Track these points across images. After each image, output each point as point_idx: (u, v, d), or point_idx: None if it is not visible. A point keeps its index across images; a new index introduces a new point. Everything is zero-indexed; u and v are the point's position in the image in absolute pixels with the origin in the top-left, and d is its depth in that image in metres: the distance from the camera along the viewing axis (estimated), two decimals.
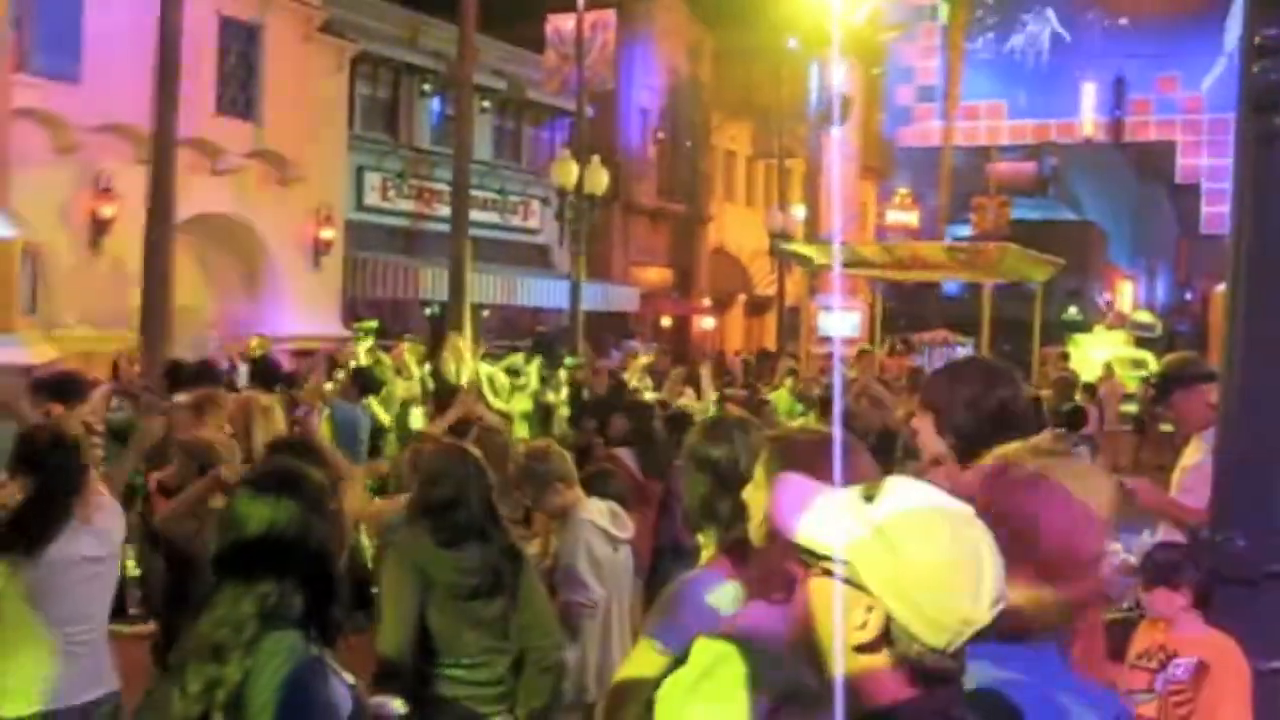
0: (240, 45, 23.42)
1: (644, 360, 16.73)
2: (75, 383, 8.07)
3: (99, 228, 20.69)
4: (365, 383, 10.22)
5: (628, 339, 27.39)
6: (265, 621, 3.14)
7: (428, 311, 28.84)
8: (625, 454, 7.90)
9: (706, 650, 2.65)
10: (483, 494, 4.89)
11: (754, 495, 2.99)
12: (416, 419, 11.03)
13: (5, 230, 13.46)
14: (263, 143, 23.53)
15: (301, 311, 23.54)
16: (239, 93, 23.53)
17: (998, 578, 1.96)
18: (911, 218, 44.73)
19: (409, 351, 13.71)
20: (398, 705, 3.54)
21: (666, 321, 38.02)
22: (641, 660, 3.80)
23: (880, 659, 1.96)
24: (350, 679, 3.32)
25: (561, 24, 29.23)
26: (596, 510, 5.73)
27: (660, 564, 6.86)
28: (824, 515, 1.97)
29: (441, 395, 10.76)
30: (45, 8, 18.82)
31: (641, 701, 3.96)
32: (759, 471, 3.01)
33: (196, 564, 4.78)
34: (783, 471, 2.81)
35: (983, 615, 1.93)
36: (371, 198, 27.57)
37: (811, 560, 2.01)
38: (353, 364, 15.98)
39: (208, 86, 22.06)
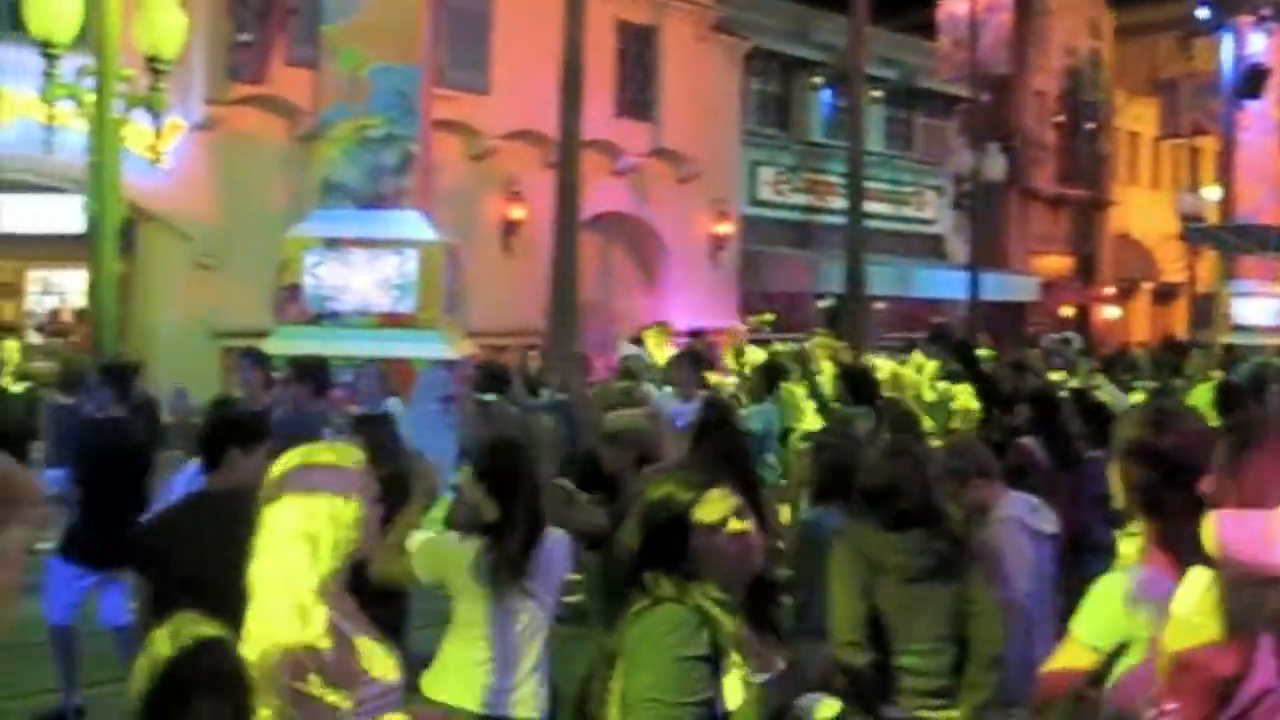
0: (637, 48, 24.10)
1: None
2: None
3: (509, 229, 21.78)
4: (774, 377, 10.21)
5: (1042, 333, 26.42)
6: None
7: (821, 304, 28.84)
8: (1031, 444, 7.60)
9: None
10: (923, 481, 4.81)
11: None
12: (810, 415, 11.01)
13: (430, 234, 14.27)
14: (660, 142, 24.13)
15: (699, 306, 23.97)
16: (637, 94, 24.21)
17: None
18: None
19: (818, 345, 13.70)
20: (827, 707, 3.47)
21: (1067, 311, 36.60)
22: (1071, 654, 3.65)
23: None
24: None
25: (955, 7, 28.59)
26: (1020, 504, 5.54)
27: (1071, 558, 6.55)
28: None
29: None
30: (456, 27, 19.92)
31: (1070, 696, 3.82)
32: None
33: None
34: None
35: None
36: (765, 192, 27.81)
37: None
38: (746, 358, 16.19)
39: (608, 90, 22.79)
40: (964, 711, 4.69)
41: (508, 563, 4.70)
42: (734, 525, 3.13)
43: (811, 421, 9.59)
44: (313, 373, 7.97)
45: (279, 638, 3.07)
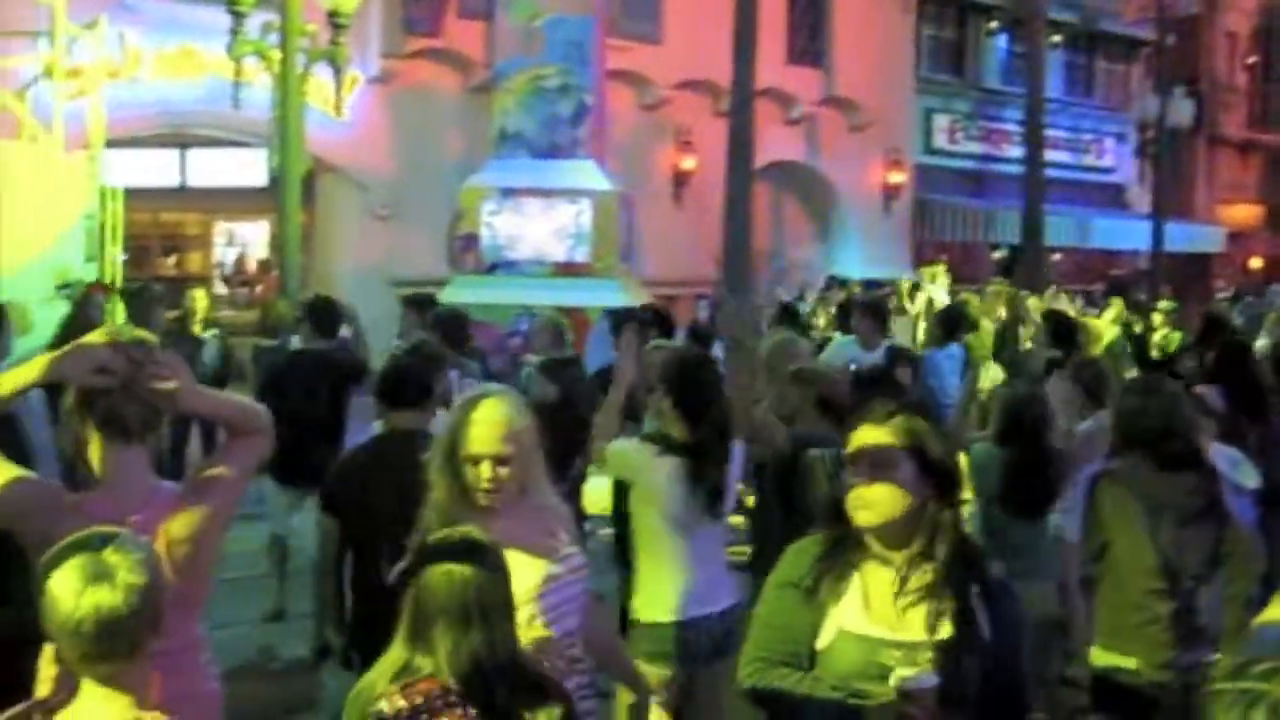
0: None
1: None
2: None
3: (680, 179, 21.74)
4: (953, 323, 10.02)
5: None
6: None
7: (996, 255, 28.25)
8: (1210, 391, 7.30)
9: None
10: (1190, 421, 4.72)
11: None
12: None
13: (605, 183, 14.30)
14: (833, 90, 23.82)
15: (871, 255, 23.68)
16: (809, 42, 23.91)
17: None
18: None
19: (996, 294, 13.43)
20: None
21: (1256, 263, 35.26)
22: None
23: None
24: None
25: None
26: (1223, 458, 5.34)
27: (1265, 510, 6.31)
28: None
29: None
30: None
31: None
32: None
33: None
34: None
35: None
36: (939, 140, 27.29)
37: None
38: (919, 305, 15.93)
39: (779, 38, 22.51)
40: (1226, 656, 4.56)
41: (703, 483, 4.80)
42: None
43: (993, 370, 9.39)
44: (444, 324, 8.08)
45: None
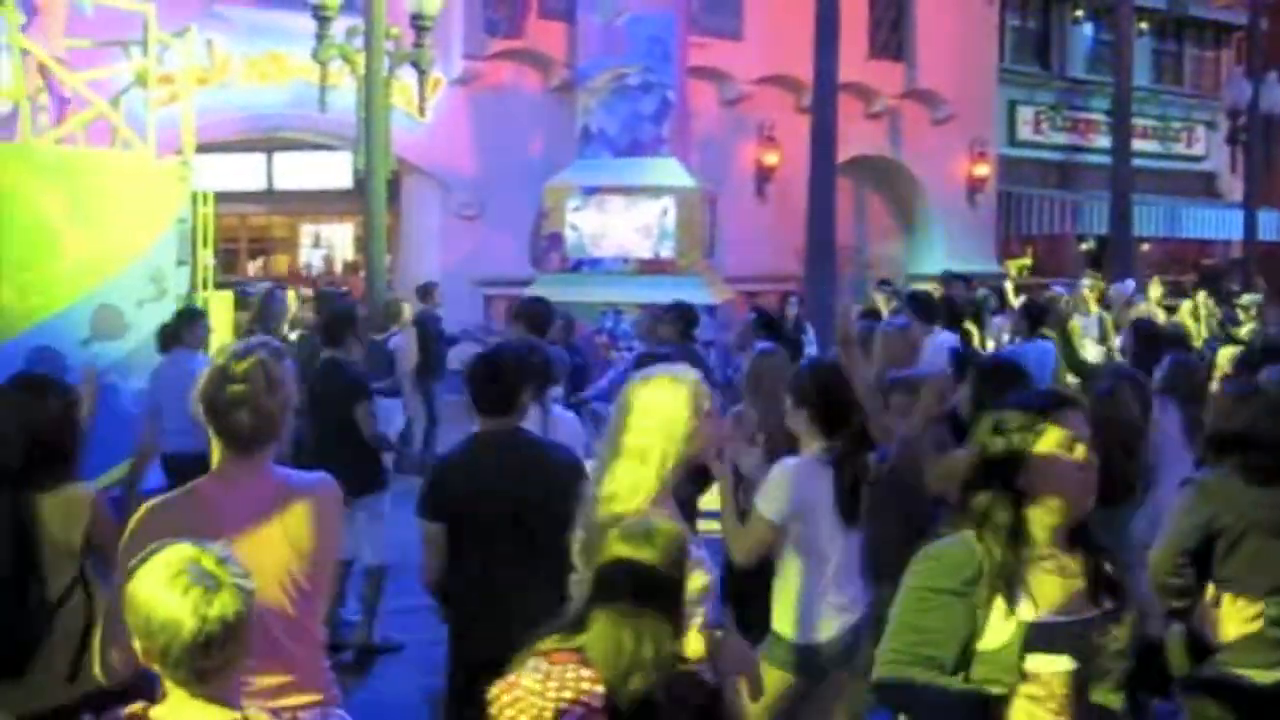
0: None
1: None
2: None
3: (762, 175, 21.68)
4: (1038, 317, 9.87)
5: None
6: None
7: (1084, 246, 27.87)
8: None
9: None
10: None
11: None
12: (1090, 353, 10.65)
13: (689, 180, 14.30)
14: (915, 82, 23.62)
15: (955, 249, 23.45)
16: (890, 35, 23.72)
17: None
18: None
19: (1089, 289, 13.25)
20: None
21: None
22: None
23: None
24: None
25: None
26: None
27: None
28: None
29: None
30: None
31: None
32: None
33: None
34: None
35: None
36: (1024, 131, 26.96)
37: None
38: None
39: (860, 31, 22.35)
40: None
41: (852, 491, 4.78)
42: (1078, 452, 3.03)
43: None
44: (527, 314, 8.12)
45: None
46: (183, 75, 12.33)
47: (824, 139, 17.58)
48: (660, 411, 3.62)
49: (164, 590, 2.38)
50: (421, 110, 14.65)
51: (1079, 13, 27.64)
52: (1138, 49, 26.22)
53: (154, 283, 10.86)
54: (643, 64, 16.52)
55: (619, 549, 2.96)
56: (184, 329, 8.95)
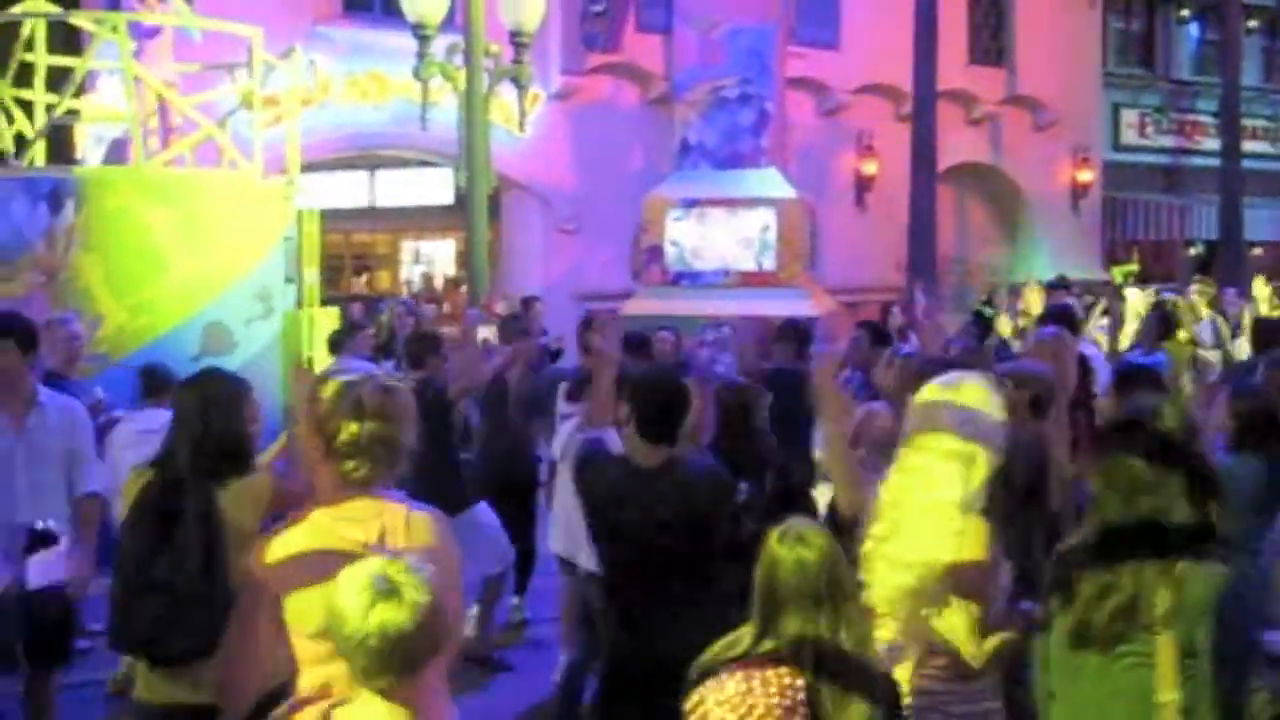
0: None
1: None
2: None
3: (862, 184, 21.53)
4: (1165, 325, 9.60)
5: None
6: None
7: (1191, 252, 27.32)
8: None
9: None
10: None
11: None
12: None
13: (789, 191, 14.23)
14: (1016, 88, 23.33)
15: (1059, 256, 23.07)
16: (990, 41, 23.46)
17: None
18: None
19: (1198, 293, 12.94)
20: None
21: None
22: None
23: None
24: None
25: None
26: None
27: None
28: None
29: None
30: None
31: None
32: None
33: None
34: None
35: None
36: (1129, 135, 26.48)
37: None
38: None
39: (960, 38, 22.14)
40: None
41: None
42: None
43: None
44: (797, 334, 8.19)
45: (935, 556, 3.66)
46: (287, 96, 12.53)
47: (924, 148, 17.45)
48: (979, 416, 3.79)
49: (348, 592, 2.54)
50: (521, 126, 14.70)
51: (1184, 12, 27.11)
52: (1246, 47, 25.67)
53: (261, 300, 11.04)
54: (741, 75, 16.46)
55: (778, 550, 3.16)
56: (345, 338, 9.70)
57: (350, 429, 3.21)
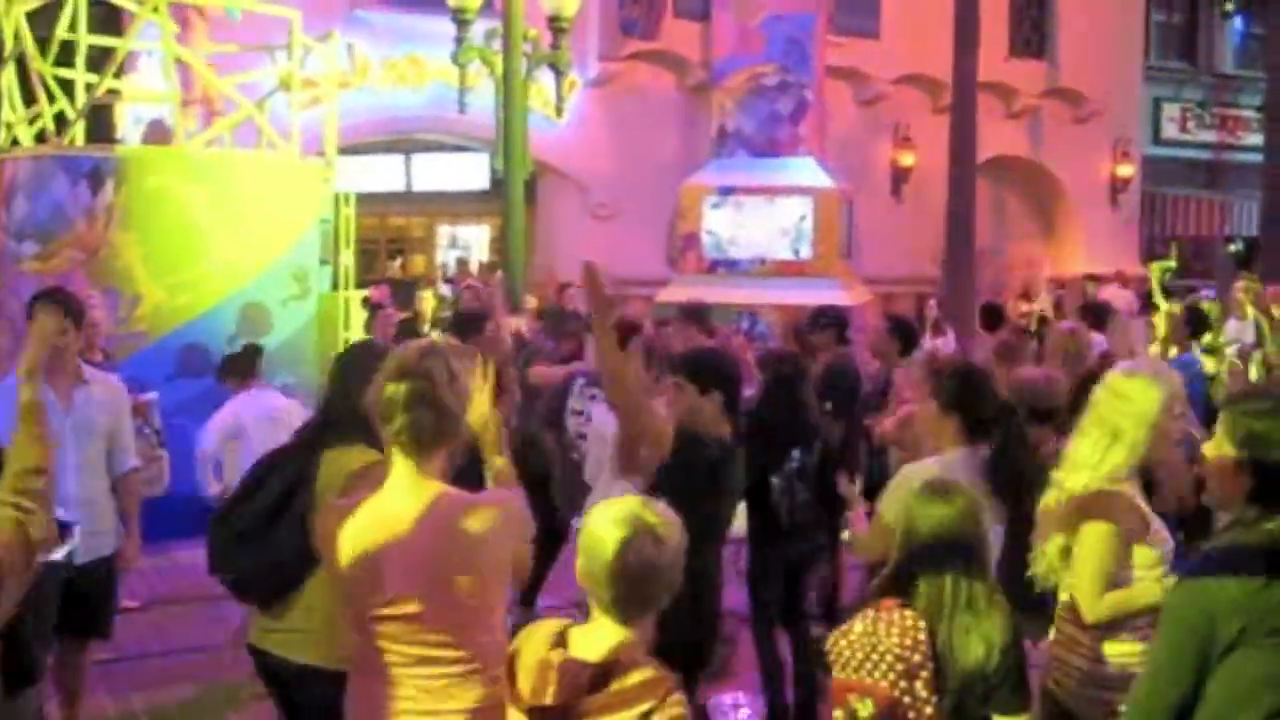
0: None
1: None
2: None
3: (899, 175, 21.42)
4: (1197, 323, 9.51)
5: None
6: None
7: (1231, 248, 27.07)
8: None
9: None
10: None
11: None
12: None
13: (826, 180, 14.17)
14: (1056, 81, 23.14)
15: (1097, 250, 22.95)
16: (1031, 33, 23.28)
17: None
18: None
19: (1243, 291, 12.78)
20: None
21: None
22: None
23: None
24: None
25: None
26: None
27: None
28: None
29: None
30: None
31: None
32: None
33: None
34: None
35: None
36: (1169, 130, 26.25)
37: None
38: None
39: (1000, 30, 21.98)
40: None
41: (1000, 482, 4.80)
42: None
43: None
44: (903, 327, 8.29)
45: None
46: (325, 79, 12.54)
47: (964, 140, 17.33)
48: (1137, 401, 4.06)
49: (604, 527, 2.80)
50: (559, 111, 14.73)
51: (1228, 6, 26.84)
52: None
53: (298, 281, 11.07)
54: (780, 63, 16.41)
55: (921, 506, 3.58)
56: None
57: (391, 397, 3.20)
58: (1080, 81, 23.17)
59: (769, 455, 6.18)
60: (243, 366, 8.02)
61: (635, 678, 2.77)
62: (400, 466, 3.20)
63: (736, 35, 16.94)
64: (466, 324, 8.01)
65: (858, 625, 3.47)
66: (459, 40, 12.08)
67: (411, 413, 3.15)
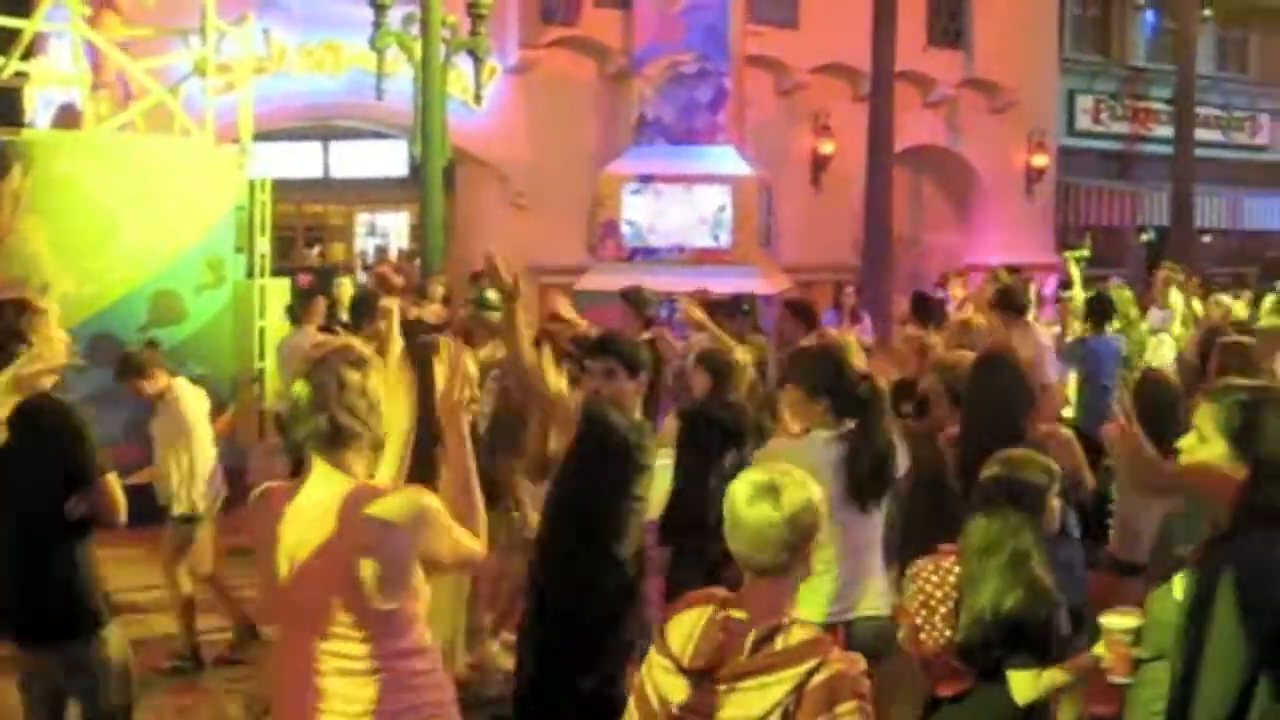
0: None
1: None
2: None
3: (818, 164, 21.53)
4: (1103, 310, 9.76)
5: None
6: None
7: (1143, 238, 27.53)
8: None
9: None
10: None
11: None
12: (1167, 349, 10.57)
13: (745, 169, 14.22)
14: (973, 71, 23.37)
15: (1012, 240, 23.22)
16: (949, 23, 23.46)
17: None
18: None
19: (1165, 278, 13.07)
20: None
21: None
22: None
23: None
24: None
25: None
26: None
27: None
28: None
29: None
30: None
31: None
32: None
33: None
34: None
35: None
36: (1083, 121, 26.63)
37: None
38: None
39: (919, 19, 22.14)
40: None
41: (870, 474, 4.82)
42: None
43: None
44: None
45: None
46: (240, 64, 12.40)
47: (881, 129, 17.48)
48: None
49: (742, 490, 2.93)
50: (478, 98, 14.63)
51: (1141, 0, 27.27)
52: (1201, 36, 25.86)
53: (212, 269, 10.94)
54: (699, 51, 16.45)
55: (995, 468, 4.10)
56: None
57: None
58: (997, 72, 23.41)
59: (707, 455, 6.19)
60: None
61: (798, 635, 2.84)
62: (316, 465, 3.31)
63: (657, 23, 16.96)
64: (360, 310, 7.98)
65: (929, 565, 4.12)
66: (376, 25, 11.99)
67: (310, 421, 3.26)
